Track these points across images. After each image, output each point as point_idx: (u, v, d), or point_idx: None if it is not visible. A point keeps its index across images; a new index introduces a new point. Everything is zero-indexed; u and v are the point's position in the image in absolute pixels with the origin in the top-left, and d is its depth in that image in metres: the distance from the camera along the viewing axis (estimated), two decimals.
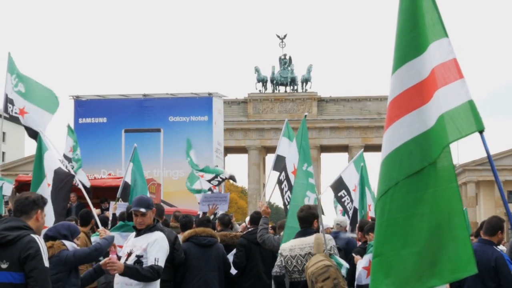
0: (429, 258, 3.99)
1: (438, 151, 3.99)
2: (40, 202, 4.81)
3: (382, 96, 60.60)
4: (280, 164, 13.57)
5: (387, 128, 4.25)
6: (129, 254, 6.32)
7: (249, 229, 9.65)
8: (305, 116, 9.29)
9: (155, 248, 6.27)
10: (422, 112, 4.09)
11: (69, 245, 6.20)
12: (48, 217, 7.71)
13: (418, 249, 4.01)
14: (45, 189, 7.85)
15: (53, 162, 8.17)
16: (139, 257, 6.25)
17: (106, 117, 23.77)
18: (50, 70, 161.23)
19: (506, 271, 7.04)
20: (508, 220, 6.52)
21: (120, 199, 11.99)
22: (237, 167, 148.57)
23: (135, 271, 6.07)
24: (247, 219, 11.09)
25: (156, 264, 6.19)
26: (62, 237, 6.20)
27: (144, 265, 6.20)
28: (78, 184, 8.89)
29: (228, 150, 55.60)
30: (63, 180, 8.01)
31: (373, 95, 61.05)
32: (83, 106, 24.13)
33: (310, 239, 7.00)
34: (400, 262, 4.05)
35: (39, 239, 4.51)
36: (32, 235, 4.52)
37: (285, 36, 63.42)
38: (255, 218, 9.64)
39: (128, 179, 12.06)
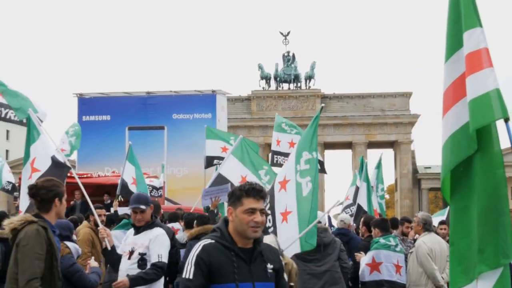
0: (478, 245, 4.10)
1: (475, 139, 4.15)
2: (231, 198, 3.84)
3: (385, 93, 60.55)
4: (272, 158, 13.87)
5: (443, 116, 4.49)
6: (131, 253, 6.32)
7: None
8: (322, 107, 9.46)
9: (157, 244, 6.32)
10: (465, 102, 4.27)
11: (72, 246, 6.13)
12: (23, 203, 7.59)
13: (473, 236, 4.14)
14: (27, 173, 7.73)
15: (48, 147, 8.04)
16: (142, 255, 6.28)
17: (109, 115, 23.80)
18: (54, 68, 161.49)
19: None
20: None
21: (120, 196, 12.04)
22: None
23: (141, 279, 6.14)
24: None
25: (160, 260, 6.25)
26: (64, 238, 6.11)
27: (147, 262, 6.23)
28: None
29: None
30: (59, 170, 7.79)
31: (377, 92, 60.98)
32: (86, 104, 24.17)
33: (271, 237, 7.07)
34: (464, 250, 4.21)
35: (201, 245, 3.70)
36: (201, 241, 3.75)
37: (288, 33, 63.39)
38: None
39: (126, 177, 12.12)
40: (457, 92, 4.35)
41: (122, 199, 12.40)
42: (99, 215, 9.33)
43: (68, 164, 8.38)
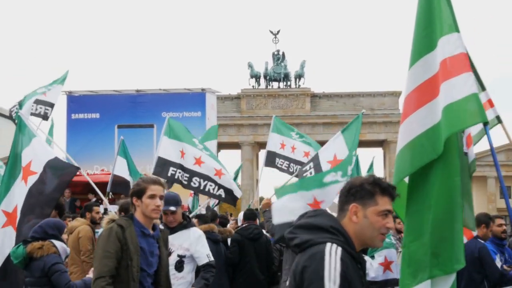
0: (433, 249, 4.11)
1: (443, 143, 4.11)
2: (357, 192, 2.97)
3: (375, 92, 60.68)
4: (272, 160, 13.71)
5: (402, 122, 4.42)
6: (168, 254, 6.25)
7: (243, 225, 9.69)
8: (362, 112, 9.67)
9: (203, 245, 6.32)
10: (433, 106, 4.24)
11: (59, 245, 6.04)
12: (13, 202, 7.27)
13: (425, 240, 4.14)
14: (20, 185, 7.36)
15: (44, 150, 7.66)
16: (181, 257, 6.22)
17: (99, 113, 23.71)
18: (43, 65, 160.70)
19: (489, 260, 7.21)
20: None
21: (111, 194, 11.98)
22: (230, 162, 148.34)
23: (206, 286, 6.13)
24: (240, 215, 11.08)
25: (211, 259, 6.26)
26: (51, 237, 6.04)
27: (185, 264, 6.20)
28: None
29: (221, 145, 55.53)
30: (63, 170, 7.47)
31: (366, 91, 61.09)
32: (76, 102, 24.06)
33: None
34: (414, 253, 4.20)
35: (335, 252, 2.75)
36: (330, 244, 2.78)
37: (278, 32, 63.39)
38: (249, 215, 9.70)
39: (118, 173, 12.05)
40: (423, 96, 4.30)
41: (111, 197, 12.35)
42: (97, 213, 9.34)
43: (76, 164, 8.12)
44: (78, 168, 7.66)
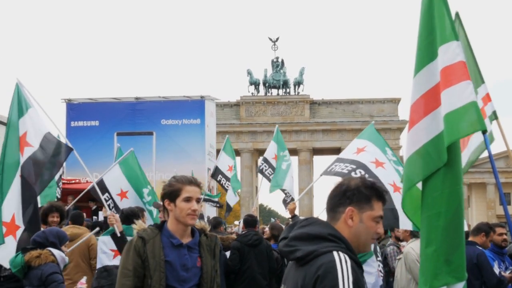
0: (445, 256, 4.10)
1: (446, 151, 4.13)
2: (353, 196, 2.85)
3: (374, 98, 60.80)
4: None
5: (410, 129, 4.44)
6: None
7: (243, 232, 9.72)
8: (372, 124, 9.85)
9: None
10: (437, 114, 4.25)
11: (57, 254, 6.03)
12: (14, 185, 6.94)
13: (436, 247, 4.12)
14: (16, 183, 6.96)
15: (41, 123, 7.33)
16: None
17: (98, 120, 23.73)
18: (43, 73, 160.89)
19: (487, 266, 7.34)
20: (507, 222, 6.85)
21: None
22: None
23: None
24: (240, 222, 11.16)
25: None
26: (50, 244, 6.03)
27: None
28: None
29: None
30: (58, 149, 7.25)
31: (365, 97, 61.22)
32: (75, 109, 24.08)
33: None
34: (425, 261, 4.19)
35: (346, 261, 2.63)
36: (337, 253, 2.65)
37: (277, 39, 63.58)
38: (249, 222, 9.74)
39: None
40: (428, 104, 4.32)
41: None
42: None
43: (70, 144, 7.88)
44: (71, 149, 7.53)
